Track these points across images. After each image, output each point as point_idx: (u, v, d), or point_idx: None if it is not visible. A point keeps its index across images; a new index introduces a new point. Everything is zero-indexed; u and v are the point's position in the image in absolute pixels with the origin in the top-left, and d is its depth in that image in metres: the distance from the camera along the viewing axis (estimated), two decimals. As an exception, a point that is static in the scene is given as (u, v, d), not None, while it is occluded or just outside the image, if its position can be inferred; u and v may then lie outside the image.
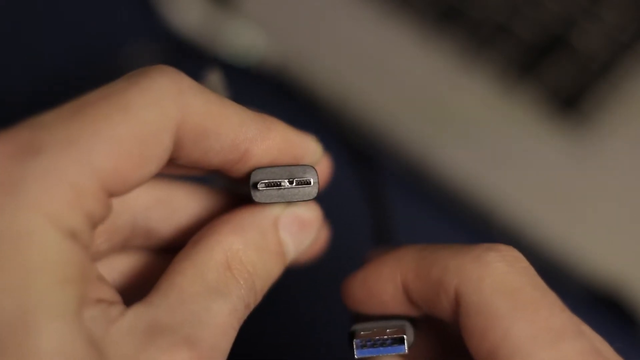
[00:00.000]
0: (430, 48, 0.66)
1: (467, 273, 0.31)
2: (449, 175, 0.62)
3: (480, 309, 0.30)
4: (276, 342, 0.56)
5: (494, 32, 0.67)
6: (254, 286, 0.31)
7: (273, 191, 0.32)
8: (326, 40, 0.67)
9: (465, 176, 0.62)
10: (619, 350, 0.31)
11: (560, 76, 0.65)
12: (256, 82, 0.65)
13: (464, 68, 0.66)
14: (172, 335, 0.28)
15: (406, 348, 0.32)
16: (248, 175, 0.32)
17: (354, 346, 0.32)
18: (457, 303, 0.31)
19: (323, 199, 0.34)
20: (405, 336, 0.32)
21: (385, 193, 0.61)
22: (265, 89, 0.65)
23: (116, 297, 0.30)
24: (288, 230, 0.33)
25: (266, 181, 0.32)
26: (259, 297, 0.32)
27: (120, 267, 0.35)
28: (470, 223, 0.62)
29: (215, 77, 0.36)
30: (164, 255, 0.35)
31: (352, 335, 0.33)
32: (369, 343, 0.32)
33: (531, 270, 0.31)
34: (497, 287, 0.30)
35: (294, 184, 0.32)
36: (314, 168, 0.32)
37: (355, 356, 0.32)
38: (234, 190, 0.36)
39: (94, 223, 0.28)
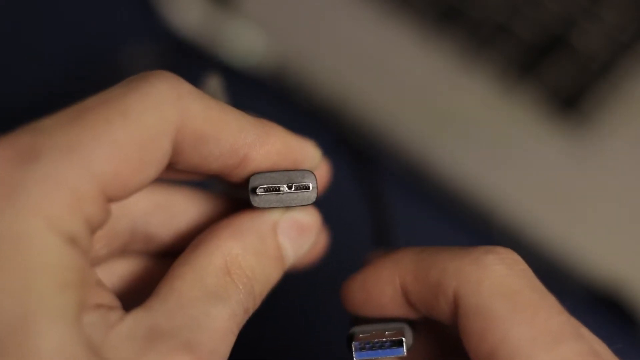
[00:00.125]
0: (430, 48, 0.66)
1: (465, 275, 0.31)
2: (449, 175, 0.62)
3: (479, 312, 0.30)
4: (275, 345, 0.57)
5: (494, 32, 0.67)
6: (252, 291, 0.31)
7: (272, 196, 0.32)
8: (326, 41, 0.67)
9: (465, 176, 0.62)
10: (617, 352, 0.31)
11: (560, 76, 0.65)
12: (256, 82, 0.65)
13: (464, 68, 0.66)
14: (172, 340, 0.28)
15: (405, 350, 0.32)
16: (247, 180, 0.32)
17: (353, 349, 0.33)
18: (456, 305, 0.31)
19: (323, 200, 0.34)
20: (404, 339, 0.32)
21: (384, 194, 0.61)
22: (265, 89, 0.65)
23: (115, 302, 0.30)
24: (287, 235, 0.33)
25: (265, 186, 0.32)
26: (258, 302, 0.32)
27: (119, 272, 0.35)
28: (470, 223, 0.62)
29: (214, 82, 0.36)
30: (163, 260, 0.35)
31: (351, 338, 0.33)
32: (367, 345, 0.32)
33: (529, 273, 0.31)
34: (496, 289, 0.30)
35: (293, 188, 0.32)
36: (312, 173, 0.32)
37: (354, 359, 0.32)
38: (233, 195, 0.36)
39: (93, 228, 0.28)
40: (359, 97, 0.64)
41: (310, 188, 0.32)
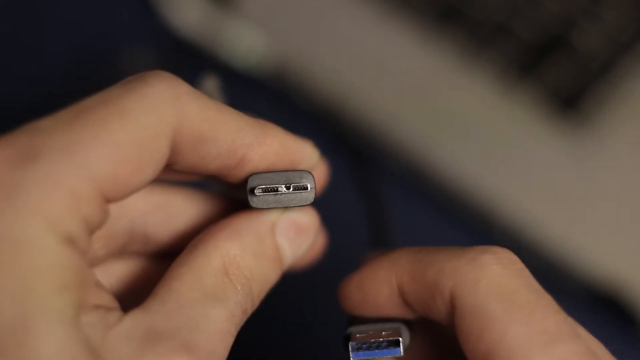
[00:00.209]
0: (430, 48, 0.66)
1: (462, 275, 0.31)
2: (449, 175, 0.62)
3: (476, 312, 0.30)
4: (273, 345, 0.57)
5: (494, 32, 0.67)
6: (251, 291, 0.31)
7: (270, 196, 0.32)
8: (326, 41, 0.67)
9: (465, 176, 0.62)
10: (615, 352, 0.31)
11: (560, 76, 0.65)
12: (256, 82, 0.65)
13: (464, 68, 0.66)
14: (170, 341, 0.28)
15: (402, 350, 0.32)
16: (245, 180, 0.32)
17: (350, 349, 0.33)
18: (453, 305, 0.31)
19: (321, 201, 0.34)
20: (400, 339, 0.32)
21: (383, 194, 0.61)
22: (265, 89, 0.65)
23: (114, 303, 0.30)
24: (285, 236, 0.33)
25: (263, 186, 0.32)
26: (257, 303, 0.32)
27: (118, 272, 0.35)
28: (470, 223, 0.62)
29: (212, 82, 0.36)
30: (162, 260, 0.35)
31: (348, 338, 0.33)
32: (364, 345, 0.32)
33: (526, 273, 0.31)
34: (493, 289, 0.30)
35: (291, 189, 0.32)
36: (310, 173, 0.32)
37: (351, 358, 0.33)
38: (231, 196, 0.36)
39: (92, 228, 0.28)
40: (359, 97, 0.64)
41: (309, 188, 0.32)
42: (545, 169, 0.63)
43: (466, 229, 0.62)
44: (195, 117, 0.30)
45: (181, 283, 0.30)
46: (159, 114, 0.29)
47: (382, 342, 0.32)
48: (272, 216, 0.33)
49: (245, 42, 0.66)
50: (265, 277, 0.32)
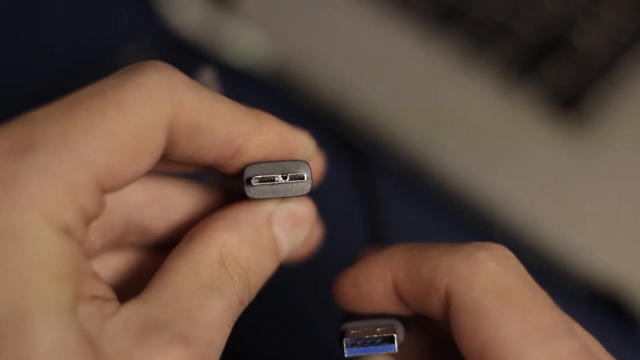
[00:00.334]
0: (430, 48, 0.66)
1: (457, 272, 0.31)
2: (449, 175, 0.62)
3: (471, 308, 0.30)
4: (268, 340, 0.56)
5: (494, 32, 0.67)
6: (248, 282, 0.31)
7: (266, 187, 0.32)
8: (326, 41, 0.67)
9: (465, 176, 0.62)
10: (610, 348, 0.31)
11: (560, 76, 0.65)
12: (256, 82, 0.65)
13: (464, 68, 0.66)
14: (167, 332, 0.28)
15: (396, 347, 0.32)
16: (241, 171, 0.32)
17: (344, 345, 0.32)
18: (448, 302, 0.31)
19: (319, 199, 0.34)
20: (395, 335, 0.32)
21: (383, 194, 0.61)
22: (265, 89, 0.65)
23: (110, 294, 0.29)
24: (282, 226, 0.33)
25: (260, 177, 0.32)
26: (254, 293, 0.32)
27: (114, 264, 0.35)
28: (470, 223, 0.62)
29: (208, 74, 0.36)
30: (158, 252, 0.35)
31: (343, 334, 0.33)
32: (359, 342, 0.32)
33: (522, 269, 0.31)
34: (488, 285, 0.30)
35: (288, 179, 0.32)
36: (307, 163, 0.32)
37: (345, 355, 0.32)
38: (227, 187, 0.36)
39: (88, 219, 0.28)
40: (359, 97, 0.64)
41: (305, 178, 0.32)
42: (545, 169, 0.63)
43: (466, 229, 0.62)
44: (192, 107, 0.30)
45: (178, 274, 0.30)
46: (156, 104, 0.29)
47: (377, 338, 0.32)
48: (269, 206, 0.33)
49: (245, 42, 0.66)
50: (263, 268, 0.32)
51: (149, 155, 0.29)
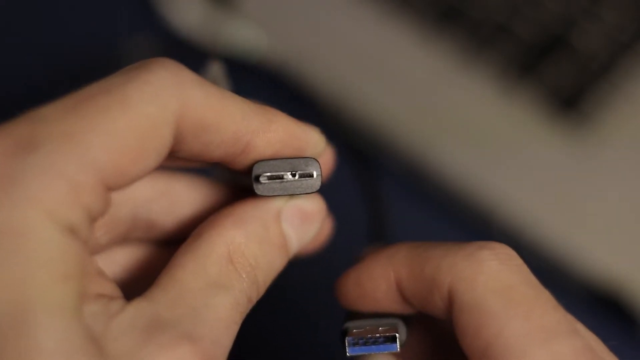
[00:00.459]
0: (430, 48, 0.66)
1: (460, 271, 0.31)
2: (449, 175, 0.62)
3: (474, 307, 0.30)
4: (268, 338, 0.56)
5: (494, 32, 0.67)
6: (256, 279, 0.31)
7: (275, 184, 0.32)
8: (326, 40, 0.67)
9: (465, 176, 0.62)
10: (613, 348, 0.31)
11: (560, 76, 0.65)
12: (256, 82, 0.65)
13: (464, 68, 0.66)
14: (173, 330, 0.28)
15: (398, 346, 0.32)
16: (250, 167, 0.32)
17: (346, 344, 0.32)
18: (451, 301, 0.31)
19: (322, 197, 0.34)
20: (397, 334, 0.32)
21: (383, 194, 0.61)
22: (264, 89, 0.65)
23: (116, 292, 0.29)
24: (290, 223, 0.33)
25: (268, 174, 0.32)
26: (262, 291, 0.32)
27: (121, 260, 0.34)
28: (470, 223, 0.62)
29: (216, 69, 0.36)
30: (165, 248, 0.35)
31: (345, 333, 0.33)
32: (361, 341, 0.32)
33: (524, 268, 0.31)
34: (491, 285, 0.30)
35: (297, 176, 0.32)
36: (316, 160, 0.32)
37: (347, 354, 0.32)
38: (236, 183, 0.35)
39: (93, 218, 0.28)
40: (359, 97, 0.64)
41: (314, 176, 0.32)
42: (545, 168, 0.63)
43: (466, 229, 0.62)
44: (199, 104, 0.30)
45: (185, 271, 0.30)
46: (162, 102, 0.29)
47: (379, 337, 0.32)
48: (278, 203, 0.32)
49: (245, 41, 0.66)
50: (271, 265, 0.32)
51: (155, 154, 0.29)
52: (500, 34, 0.67)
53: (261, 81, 0.65)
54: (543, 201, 0.62)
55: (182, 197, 0.35)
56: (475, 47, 0.66)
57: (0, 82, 0.66)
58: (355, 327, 0.33)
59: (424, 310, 0.33)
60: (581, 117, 0.64)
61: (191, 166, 0.35)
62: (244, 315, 0.30)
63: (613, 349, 0.31)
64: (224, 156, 0.31)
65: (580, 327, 0.30)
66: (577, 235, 0.60)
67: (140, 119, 0.28)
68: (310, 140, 0.33)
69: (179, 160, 0.33)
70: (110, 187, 0.28)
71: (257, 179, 0.32)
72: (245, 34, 0.66)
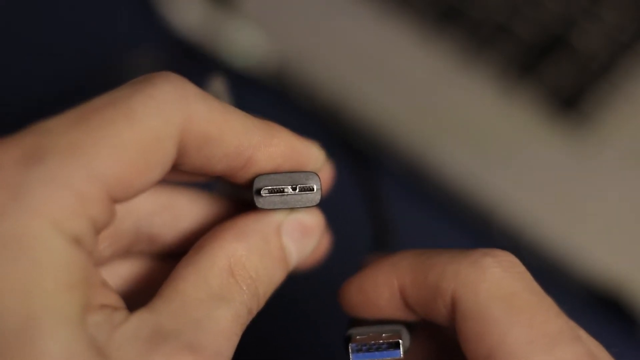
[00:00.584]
0: (430, 48, 0.66)
1: (463, 278, 0.31)
2: (449, 175, 0.62)
3: (477, 314, 0.30)
4: (274, 346, 0.57)
5: (494, 32, 0.67)
6: (257, 292, 0.31)
7: (276, 197, 0.32)
8: (326, 41, 0.67)
9: (465, 176, 0.62)
10: (615, 354, 0.31)
11: (560, 76, 0.65)
12: (256, 82, 0.65)
13: (464, 68, 0.66)
14: (175, 341, 0.28)
15: (401, 353, 0.32)
16: (251, 181, 0.32)
17: (350, 350, 0.33)
18: (454, 308, 0.31)
19: (323, 201, 0.34)
20: (400, 341, 0.32)
21: (384, 195, 0.61)
22: (265, 89, 0.65)
23: (120, 303, 0.30)
24: (291, 236, 0.33)
25: (269, 187, 0.32)
26: (262, 303, 0.32)
27: (123, 272, 0.35)
28: (470, 223, 0.62)
29: (218, 83, 0.36)
30: (167, 260, 0.35)
31: (348, 340, 0.33)
32: (364, 347, 0.32)
33: (527, 275, 0.31)
34: (494, 292, 0.30)
35: (297, 190, 0.32)
36: (317, 174, 0.33)
37: None
38: (237, 197, 0.36)
39: (98, 229, 0.28)
40: (359, 97, 0.64)
41: (314, 190, 0.32)
42: (545, 169, 0.63)
43: (466, 229, 0.62)
44: (202, 118, 0.30)
45: (187, 283, 0.30)
46: (166, 116, 0.29)
47: (382, 344, 0.32)
48: (278, 217, 0.33)
49: (246, 42, 0.66)
50: (271, 278, 0.32)
51: (159, 167, 0.29)
52: (500, 34, 0.67)
53: (261, 82, 0.65)
54: (543, 201, 0.62)
55: (184, 210, 0.35)
56: (475, 47, 0.66)
57: (0, 83, 0.66)
58: (358, 333, 0.33)
59: (428, 317, 0.33)
60: (581, 117, 0.64)
61: (193, 180, 0.35)
62: (244, 327, 0.31)
63: (615, 355, 0.31)
64: (225, 170, 0.31)
65: (583, 334, 0.31)
66: (577, 236, 0.60)
67: (145, 132, 0.28)
68: (311, 155, 0.33)
69: (181, 174, 0.33)
70: (115, 199, 0.29)
71: (258, 192, 0.32)
72: (245, 35, 0.66)
